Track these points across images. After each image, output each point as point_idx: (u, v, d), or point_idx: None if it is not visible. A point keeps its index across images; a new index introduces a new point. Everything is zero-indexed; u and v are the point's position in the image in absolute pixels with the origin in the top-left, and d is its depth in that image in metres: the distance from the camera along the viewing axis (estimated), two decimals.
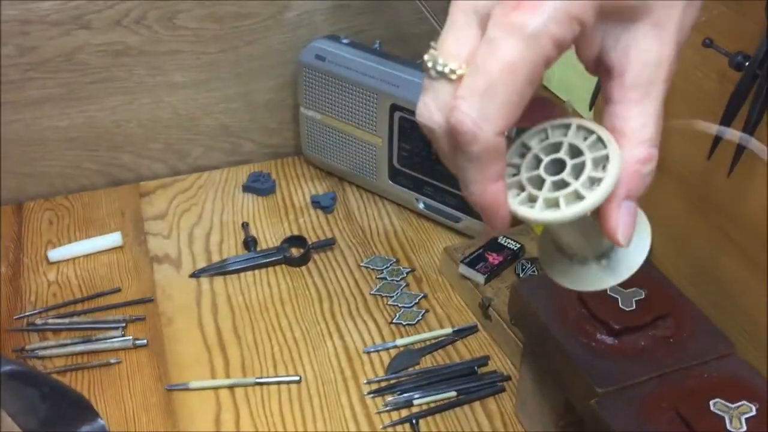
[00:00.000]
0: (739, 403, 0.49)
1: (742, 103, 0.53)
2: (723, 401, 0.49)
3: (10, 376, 0.41)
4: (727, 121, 0.55)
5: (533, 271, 0.75)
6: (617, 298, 0.57)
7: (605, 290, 0.57)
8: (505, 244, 0.78)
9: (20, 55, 0.83)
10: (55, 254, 0.81)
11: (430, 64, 0.32)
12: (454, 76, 0.32)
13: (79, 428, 0.43)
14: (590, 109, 0.74)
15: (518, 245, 0.78)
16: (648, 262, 0.64)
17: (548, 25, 0.30)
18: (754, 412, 0.48)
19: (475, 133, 0.31)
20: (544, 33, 0.30)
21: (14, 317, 0.74)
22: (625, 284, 0.58)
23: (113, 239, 0.83)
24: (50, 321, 0.73)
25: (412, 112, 0.82)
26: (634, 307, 0.56)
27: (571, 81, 0.81)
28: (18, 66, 0.84)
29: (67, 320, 0.74)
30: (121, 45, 0.86)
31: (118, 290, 0.78)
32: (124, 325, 0.73)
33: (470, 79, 0.31)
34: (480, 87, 0.31)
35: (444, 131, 0.33)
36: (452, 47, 0.32)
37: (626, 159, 0.33)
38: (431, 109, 0.33)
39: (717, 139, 0.56)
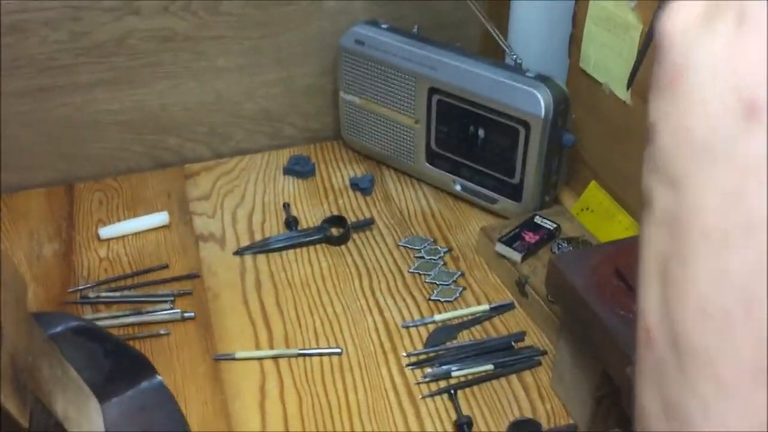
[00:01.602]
0: None
1: None
2: None
3: (76, 332, 0.44)
4: None
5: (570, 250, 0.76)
6: None
7: None
8: (542, 223, 0.80)
9: (72, 41, 0.86)
10: (106, 232, 0.84)
11: None
12: None
13: (139, 383, 0.46)
14: (627, 89, 0.75)
15: (555, 225, 0.79)
16: None
17: None
18: None
19: None
20: None
21: (68, 290, 0.77)
22: None
23: (160, 218, 0.86)
24: (102, 294, 0.76)
25: (450, 95, 0.84)
26: None
27: (608, 64, 0.82)
28: (70, 51, 0.87)
29: (118, 294, 0.77)
30: (168, 30, 0.89)
31: (166, 266, 0.81)
32: (172, 298, 0.76)
33: None
34: None
35: None
36: None
37: None
38: None
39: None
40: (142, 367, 0.46)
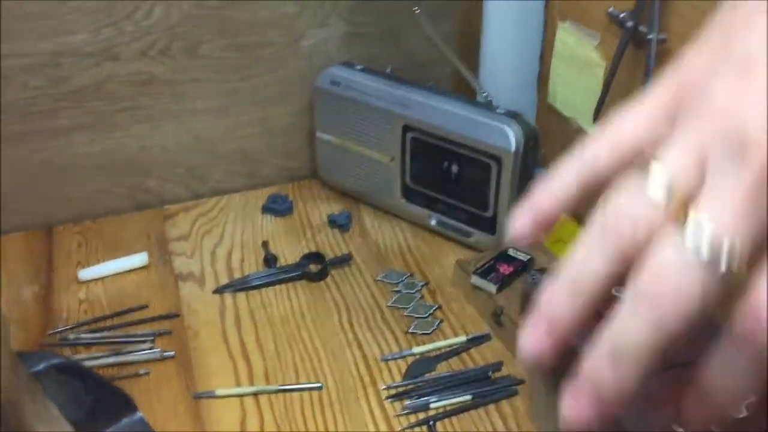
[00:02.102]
0: None
1: None
2: None
3: (59, 369, 0.44)
4: None
5: None
6: None
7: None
8: (516, 255, 0.82)
9: (52, 86, 0.88)
10: (85, 274, 0.85)
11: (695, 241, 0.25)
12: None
13: (120, 420, 0.47)
14: (594, 122, 0.77)
15: (528, 256, 0.81)
16: None
17: None
18: None
19: None
20: None
21: (48, 333, 0.78)
22: None
23: (140, 259, 0.87)
24: (82, 336, 0.77)
25: (423, 132, 0.86)
26: None
27: (575, 99, 0.85)
28: (49, 96, 0.89)
29: (98, 335, 0.77)
30: (146, 75, 0.91)
31: (146, 307, 0.81)
32: (152, 338, 0.76)
33: None
34: None
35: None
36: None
37: None
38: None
39: None
40: (123, 404, 0.47)
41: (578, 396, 0.29)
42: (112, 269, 0.86)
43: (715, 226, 0.24)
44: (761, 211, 0.24)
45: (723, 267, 0.24)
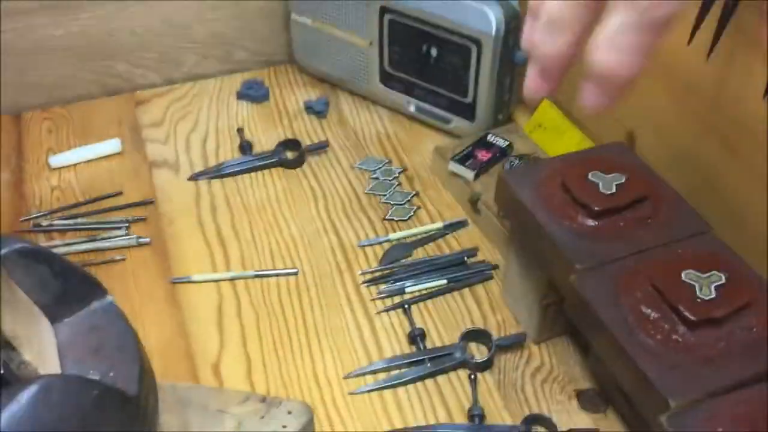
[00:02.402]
0: (710, 273, 0.52)
1: None
2: (694, 272, 0.52)
3: (21, 254, 0.44)
4: (705, 4, 0.56)
5: None
6: (598, 183, 0.59)
7: (587, 176, 0.60)
8: (494, 141, 0.80)
9: None
10: (56, 160, 0.83)
11: None
12: None
13: (89, 303, 0.46)
14: None
15: (507, 142, 0.80)
16: (629, 150, 0.66)
17: None
18: (723, 281, 0.52)
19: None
20: None
21: (20, 220, 0.77)
22: (605, 169, 0.61)
23: (112, 145, 0.85)
24: (56, 222, 0.76)
25: (402, 14, 0.83)
26: (614, 190, 0.59)
27: None
28: None
29: (71, 221, 0.76)
30: None
31: (120, 194, 0.80)
32: (127, 225, 0.76)
33: None
34: None
35: None
36: None
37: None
38: None
39: (697, 24, 0.57)
40: (92, 288, 0.46)
41: (531, 73, 0.37)
42: (84, 156, 0.84)
43: None
44: None
45: None
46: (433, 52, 0.84)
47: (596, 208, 0.58)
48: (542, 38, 0.36)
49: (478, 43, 0.79)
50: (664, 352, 0.49)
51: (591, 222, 0.58)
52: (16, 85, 0.91)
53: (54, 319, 0.46)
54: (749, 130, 0.59)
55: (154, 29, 0.93)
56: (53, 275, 0.45)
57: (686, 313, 0.49)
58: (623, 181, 0.60)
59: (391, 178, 0.82)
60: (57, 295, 0.46)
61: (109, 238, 0.74)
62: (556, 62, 0.36)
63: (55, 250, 0.73)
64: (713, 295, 0.51)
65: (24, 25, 0.87)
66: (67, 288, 0.46)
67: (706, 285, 0.51)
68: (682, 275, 0.52)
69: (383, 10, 0.84)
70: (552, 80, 0.37)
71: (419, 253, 0.74)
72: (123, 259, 0.73)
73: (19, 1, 0.86)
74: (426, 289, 0.70)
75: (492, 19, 0.77)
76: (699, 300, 0.50)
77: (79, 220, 0.77)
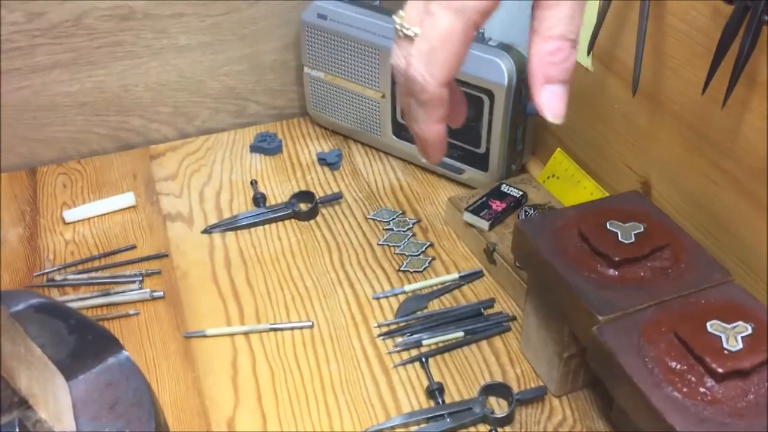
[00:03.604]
0: (736, 324, 0.51)
1: (734, 37, 0.54)
2: (719, 322, 0.51)
3: (38, 309, 0.43)
4: (718, 55, 0.56)
5: None
6: (617, 233, 0.59)
7: (605, 225, 0.59)
8: (508, 192, 0.80)
9: (28, 22, 0.85)
10: (71, 215, 0.83)
11: (398, 27, 0.41)
12: (414, 36, 0.41)
13: (105, 359, 0.46)
14: (588, 54, 0.75)
15: (521, 192, 0.80)
16: (645, 198, 0.66)
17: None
18: (749, 331, 0.50)
19: (423, 85, 0.40)
20: (469, 6, 0.39)
21: (34, 275, 0.77)
22: (623, 218, 0.60)
23: (127, 199, 0.85)
24: (69, 277, 0.76)
25: None
26: (633, 240, 0.58)
27: None
28: (26, 32, 0.85)
29: (85, 276, 0.76)
30: (126, 9, 0.88)
31: (134, 247, 0.80)
32: (141, 278, 0.75)
33: (418, 42, 0.40)
34: (425, 50, 0.40)
35: (404, 78, 0.42)
36: (412, 15, 0.41)
37: (537, 52, 0.41)
38: (399, 58, 0.42)
39: (711, 74, 0.57)
40: (108, 343, 0.46)
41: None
42: (98, 210, 0.84)
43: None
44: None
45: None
46: None
47: (616, 258, 0.57)
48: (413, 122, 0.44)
49: (490, 94, 0.79)
50: (692, 405, 0.48)
51: (610, 272, 0.57)
52: (32, 140, 0.92)
53: (69, 374, 0.45)
54: (765, 177, 0.58)
55: (168, 84, 0.95)
56: (69, 330, 0.45)
57: (714, 365, 0.48)
58: (642, 230, 0.59)
59: (405, 229, 0.82)
60: (72, 350, 0.45)
61: (123, 292, 0.74)
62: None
63: (69, 305, 0.72)
64: (740, 346, 0.50)
65: (40, 81, 0.89)
66: (83, 343, 0.46)
67: (732, 336, 0.50)
68: (707, 326, 0.51)
69: None
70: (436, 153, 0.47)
71: (435, 305, 0.73)
72: (137, 314, 0.72)
73: (36, 58, 0.87)
74: (443, 341, 0.69)
75: (504, 70, 0.78)
76: (726, 351, 0.49)
77: (93, 274, 0.76)
